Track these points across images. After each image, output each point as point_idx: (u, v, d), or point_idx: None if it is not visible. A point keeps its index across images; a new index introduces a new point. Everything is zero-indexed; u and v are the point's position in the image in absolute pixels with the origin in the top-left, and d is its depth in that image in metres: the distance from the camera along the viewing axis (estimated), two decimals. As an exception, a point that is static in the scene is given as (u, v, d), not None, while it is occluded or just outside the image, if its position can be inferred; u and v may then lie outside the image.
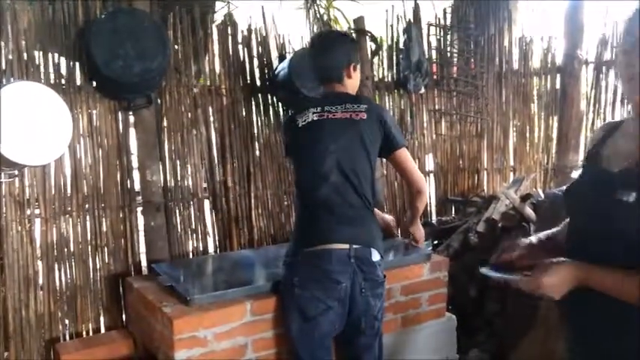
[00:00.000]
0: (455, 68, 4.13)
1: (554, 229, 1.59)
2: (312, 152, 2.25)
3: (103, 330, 2.83)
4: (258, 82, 3.31)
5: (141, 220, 2.94)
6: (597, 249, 1.32)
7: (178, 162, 3.04)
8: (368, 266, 2.19)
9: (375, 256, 2.22)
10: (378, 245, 2.26)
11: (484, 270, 1.50)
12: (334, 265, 2.14)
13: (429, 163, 4.11)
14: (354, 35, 2.95)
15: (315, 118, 2.26)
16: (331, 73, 2.34)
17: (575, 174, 3.24)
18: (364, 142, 2.23)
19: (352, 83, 2.36)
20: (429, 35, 3.99)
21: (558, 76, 4.18)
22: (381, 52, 3.82)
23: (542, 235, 1.59)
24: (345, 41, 2.39)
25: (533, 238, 1.57)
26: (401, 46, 3.78)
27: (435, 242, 3.69)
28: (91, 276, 2.79)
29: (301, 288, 2.18)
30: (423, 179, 2.40)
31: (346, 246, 2.15)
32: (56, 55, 2.70)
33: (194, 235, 3.10)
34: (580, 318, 1.39)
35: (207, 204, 3.16)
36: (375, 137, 2.26)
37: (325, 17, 5.11)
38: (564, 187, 3.06)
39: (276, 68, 3.27)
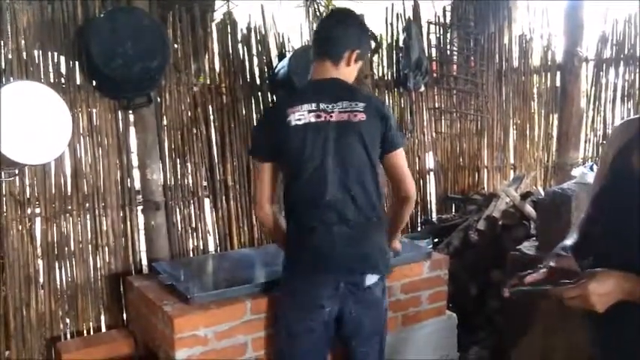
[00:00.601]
0: (455, 66, 4.13)
1: (569, 241, 1.48)
2: (309, 164, 2.00)
3: (103, 329, 2.83)
4: (257, 81, 3.30)
5: (141, 219, 2.95)
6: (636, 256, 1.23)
7: (178, 161, 3.04)
8: (360, 291, 2.04)
9: (370, 280, 2.05)
10: (377, 266, 2.07)
11: (514, 290, 1.34)
12: (322, 291, 2.03)
13: (429, 161, 4.11)
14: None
15: (312, 120, 1.98)
16: (331, 48, 2.04)
17: (576, 172, 3.25)
18: (366, 148, 2.00)
19: (348, 73, 2.08)
20: (428, 33, 3.99)
21: (558, 73, 4.17)
22: (380, 51, 3.82)
23: (561, 251, 1.44)
24: (361, 26, 2.13)
25: (555, 261, 1.41)
26: (401, 44, 3.78)
27: (436, 240, 3.69)
28: (92, 275, 2.80)
29: (289, 307, 2.13)
30: (414, 185, 2.15)
31: (339, 272, 2.03)
32: (56, 54, 2.70)
33: (194, 233, 3.11)
34: (613, 321, 1.28)
35: (207, 202, 3.16)
36: (375, 139, 2.03)
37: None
38: (564, 185, 3.05)
39: (276, 67, 3.28)
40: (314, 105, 2.00)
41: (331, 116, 1.99)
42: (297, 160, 2.01)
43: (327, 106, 2.00)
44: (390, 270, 2.19)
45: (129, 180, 2.89)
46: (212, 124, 3.16)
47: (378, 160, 2.07)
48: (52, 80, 2.67)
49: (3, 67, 2.55)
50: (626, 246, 1.28)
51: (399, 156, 2.09)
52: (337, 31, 2.06)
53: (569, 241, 1.49)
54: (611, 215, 1.38)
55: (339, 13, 2.28)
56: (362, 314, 2.07)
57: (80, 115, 2.73)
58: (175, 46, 3.00)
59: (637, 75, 3.97)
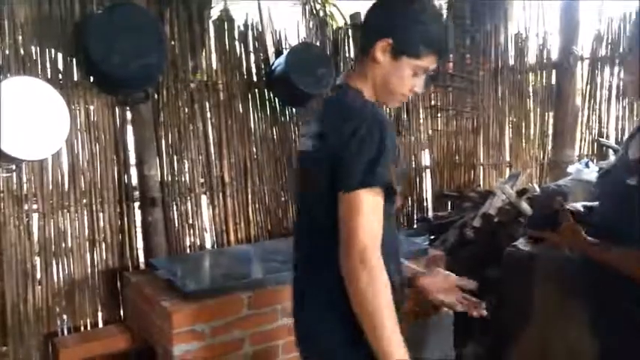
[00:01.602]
0: (451, 64, 4.15)
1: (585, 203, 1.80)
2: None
3: (101, 324, 2.84)
4: (255, 78, 3.31)
5: (138, 215, 2.95)
6: (616, 229, 1.46)
7: (175, 157, 3.05)
8: None
9: None
10: (318, 349, 1.47)
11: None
12: None
13: (426, 159, 4.13)
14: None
15: (303, 149, 1.55)
16: (361, 40, 1.53)
17: (571, 169, 3.27)
18: (314, 187, 1.44)
19: (379, 73, 1.46)
20: (425, 31, 3.99)
21: (554, 72, 4.19)
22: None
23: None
24: (405, 7, 1.45)
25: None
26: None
27: (432, 237, 3.71)
28: (89, 271, 2.80)
29: None
30: (359, 253, 1.28)
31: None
32: (53, 50, 2.70)
33: (191, 229, 3.11)
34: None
35: (204, 199, 3.17)
36: (322, 176, 1.39)
37: (321, 13, 5.11)
38: (560, 182, 3.07)
39: (273, 63, 3.28)
40: (306, 127, 1.56)
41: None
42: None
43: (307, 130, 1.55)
44: None
45: (126, 176, 2.90)
46: (209, 120, 3.17)
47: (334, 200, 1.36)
48: (49, 76, 2.67)
49: (0, 62, 2.55)
50: (614, 229, 1.47)
51: (344, 203, 1.32)
52: (367, 17, 1.55)
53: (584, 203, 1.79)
54: (604, 194, 1.59)
55: None
56: None
57: (77, 111, 2.73)
58: (172, 42, 3.01)
59: (632, 73, 3.99)
